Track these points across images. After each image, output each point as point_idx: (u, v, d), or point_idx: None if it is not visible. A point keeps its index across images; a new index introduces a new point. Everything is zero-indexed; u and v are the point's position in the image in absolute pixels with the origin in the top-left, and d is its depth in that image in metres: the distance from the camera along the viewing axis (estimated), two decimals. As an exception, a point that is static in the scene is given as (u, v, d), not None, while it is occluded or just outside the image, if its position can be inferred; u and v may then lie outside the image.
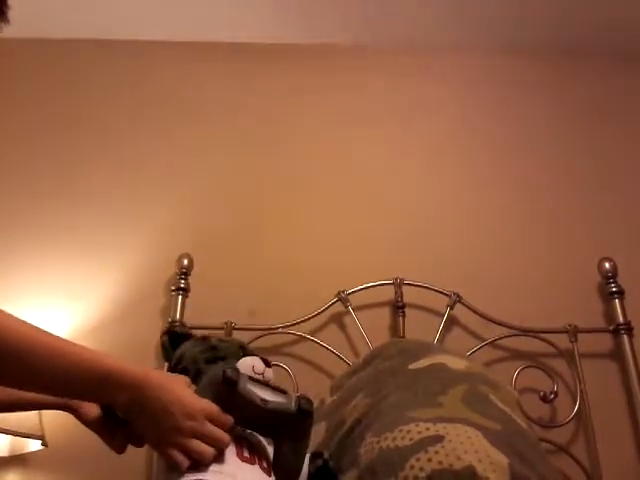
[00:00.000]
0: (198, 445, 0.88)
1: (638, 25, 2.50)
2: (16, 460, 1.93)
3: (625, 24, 2.49)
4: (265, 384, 0.97)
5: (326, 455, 1.11)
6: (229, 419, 0.93)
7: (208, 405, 0.92)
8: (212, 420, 0.91)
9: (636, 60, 2.57)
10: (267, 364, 1.02)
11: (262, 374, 1.00)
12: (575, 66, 2.58)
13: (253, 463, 0.94)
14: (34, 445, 1.90)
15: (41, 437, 1.86)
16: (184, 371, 1.09)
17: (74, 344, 0.89)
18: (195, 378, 1.05)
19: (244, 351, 1.11)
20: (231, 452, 0.92)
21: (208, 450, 0.89)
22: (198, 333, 1.94)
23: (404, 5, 2.46)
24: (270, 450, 1.00)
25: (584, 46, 2.56)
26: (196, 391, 0.95)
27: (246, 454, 0.95)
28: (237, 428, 0.95)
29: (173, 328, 1.26)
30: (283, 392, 0.98)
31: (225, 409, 0.93)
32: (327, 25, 2.56)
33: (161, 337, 1.21)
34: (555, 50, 2.57)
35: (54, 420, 1.85)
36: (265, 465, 0.96)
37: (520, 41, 2.57)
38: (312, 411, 0.96)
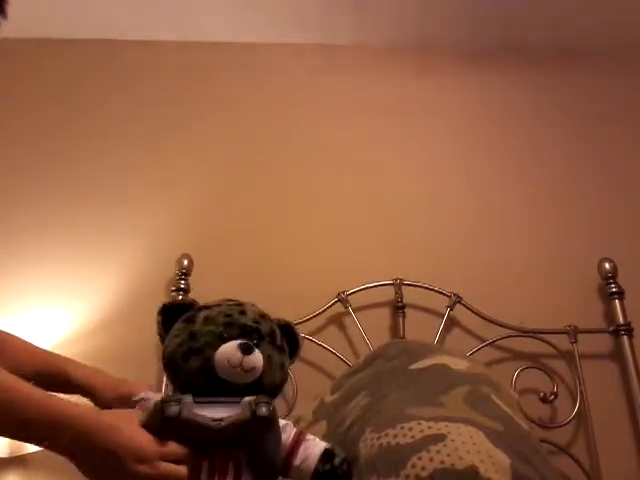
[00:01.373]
0: None
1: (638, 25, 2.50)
2: (16, 461, 1.92)
3: (626, 24, 2.49)
4: (214, 401, 0.95)
5: (337, 461, 1.05)
6: (183, 452, 0.91)
7: (159, 444, 0.89)
8: (166, 458, 0.89)
9: (636, 60, 2.58)
10: (248, 350, 0.99)
11: (239, 366, 0.98)
12: (576, 66, 2.58)
13: None
14: (34, 446, 1.89)
15: (41, 437, 1.85)
16: (166, 368, 1.08)
17: (25, 385, 0.87)
18: (175, 375, 1.05)
19: (223, 337, 1.03)
20: None
21: None
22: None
23: (403, 5, 2.46)
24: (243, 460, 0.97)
25: (584, 46, 2.56)
26: (146, 423, 0.93)
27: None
28: (196, 453, 0.93)
29: (169, 303, 1.17)
30: (237, 401, 0.95)
31: (179, 438, 0.92)
32: (327, 25, 2.55)
33: (157, 317, 1.14)
34: (555, 50, 2.57)
35: (54, 420, 1.85)
36: None
37: (520, 41, 2.56)
38: (268, 414, 0.94)
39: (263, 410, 0.94)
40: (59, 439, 0.87)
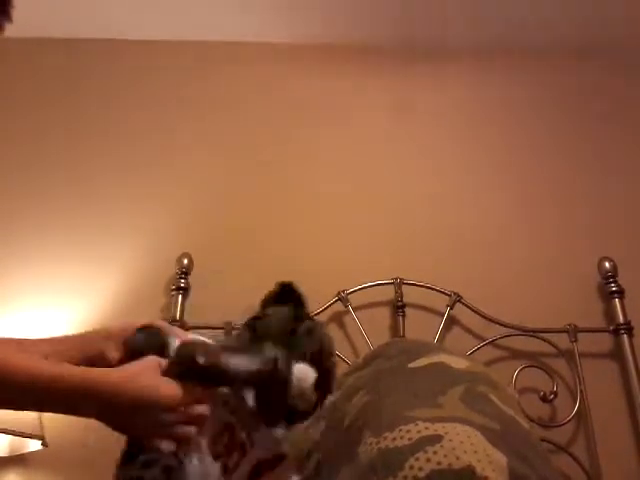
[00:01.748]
0: (181, 430, 0.90)
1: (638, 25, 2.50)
2: (16, 460, 1.93)
3: (625, 24, 2.49)
4: (238, 349, 0.99)
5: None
6: (206, 396, 0.93)
7: (183, 391, 0.90)
8: (190, 403, 0.91)
9: (637, 60, 2.57)
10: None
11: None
12: (575, 66, 2.58)
13: (219, 456, 0.96)
14: (34, 445, 1.90)
15: (41, 437, 1.86)
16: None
17: (37, 361, 0.88)
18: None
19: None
20: (203, 442, 0.94)
21: (190, 431, 0.91)
22: (198, 333, 2.00)
23: (402, 6, 2.45)
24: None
25: (584, 46, 2.55)
26: (168, 369, 0.93)
27: (220, 447, 0.97)
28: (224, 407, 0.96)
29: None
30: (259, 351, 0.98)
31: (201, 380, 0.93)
32: (326, 25, 2.55)
33: None
34: (554, 50, 2.57)
35: (54, 420, 1.85)
36: (235, 460, 0.98)
37: (519, 41, 2.56)
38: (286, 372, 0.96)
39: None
40: (85, 405, 0.87)
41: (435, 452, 1.01)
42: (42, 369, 0.85)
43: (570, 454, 1.93)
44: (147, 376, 0.90)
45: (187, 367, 0.92)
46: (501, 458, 1.01)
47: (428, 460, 1.00)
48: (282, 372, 0.95)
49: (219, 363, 0.94)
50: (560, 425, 1.94)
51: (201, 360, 0.92)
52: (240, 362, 0.95)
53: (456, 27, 2.54)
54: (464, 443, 1.02)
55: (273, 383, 0.96)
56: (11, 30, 1.09)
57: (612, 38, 2.53)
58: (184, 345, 0.96)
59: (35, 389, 0.84)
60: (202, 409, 0.93)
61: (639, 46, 2.56)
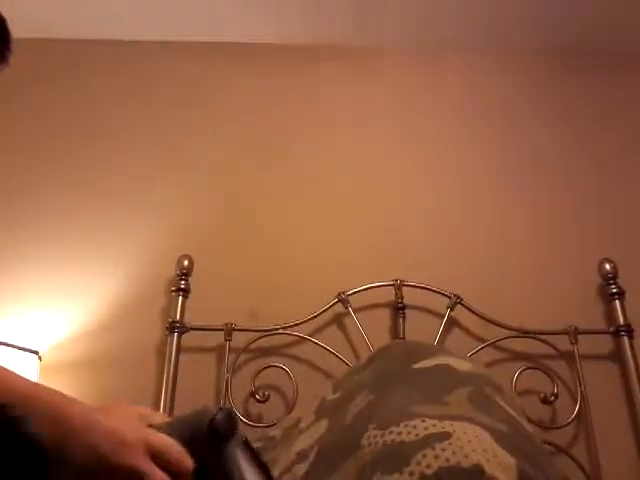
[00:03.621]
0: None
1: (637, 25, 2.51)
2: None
3: (624, 24, 2.49)
4: (256, 458, 0.74)
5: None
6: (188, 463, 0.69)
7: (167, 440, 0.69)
8: (163, 455, 0.69)
9: (636, 60, 2.58)
10: None
11: None
12: (574, 66, 2.58)
13: None
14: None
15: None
16: None
17: None
18: None
19: None
20: None
21: None
22: (198, 334, 1.99)
23: (400, 6, 2.46)
24: None
25: (583, 46, 2.56)
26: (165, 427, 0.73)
27: None
28: None
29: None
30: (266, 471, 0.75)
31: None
32: (325, 26, 2.55)
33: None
34: (553, 50, 2.58)
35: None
36: None
37: (517, 41, 2.57)
38: None
39: None
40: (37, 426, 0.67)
41: (443, 449, 1.00)
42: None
43: (570, 456, 1.92)
44: (116, 415, 0.72)
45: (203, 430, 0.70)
46: (510, 459, 1.01)
47: (436, 457, 1.00)
48: None
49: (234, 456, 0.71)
50: (560, 427, 1.94)
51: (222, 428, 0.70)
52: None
53: (456, 28, 2.54)
54: (472, 442, 1.02)
55: None
56: (16, 31, 1.09)
57: (611, 38, 2.54)
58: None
59: None
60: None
61: (638, 47, 2.57)
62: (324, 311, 2.07)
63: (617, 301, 2.08)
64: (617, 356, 2.06)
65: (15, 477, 0.62)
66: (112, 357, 2.03)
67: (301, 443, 1.34)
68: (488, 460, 0.99)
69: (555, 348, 2.02)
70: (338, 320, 2.13)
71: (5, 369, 0.72)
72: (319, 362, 2.04)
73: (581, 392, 1.96)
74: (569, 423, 1.94)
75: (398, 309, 2.07)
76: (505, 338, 2.05)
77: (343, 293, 2.08)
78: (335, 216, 2.30)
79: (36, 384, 0.74)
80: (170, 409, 1.88)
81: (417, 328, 2.04)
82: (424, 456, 1.00)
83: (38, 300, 2.11)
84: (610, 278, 2.11)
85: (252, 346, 2.02)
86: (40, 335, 2.03)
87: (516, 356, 2.07)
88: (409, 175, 2.40)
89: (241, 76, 2.56)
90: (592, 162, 2.43)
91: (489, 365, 2.01)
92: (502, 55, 2.59)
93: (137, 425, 0.71)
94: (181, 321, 2.02)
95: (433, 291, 2.09)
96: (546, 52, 2.58)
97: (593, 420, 1.93)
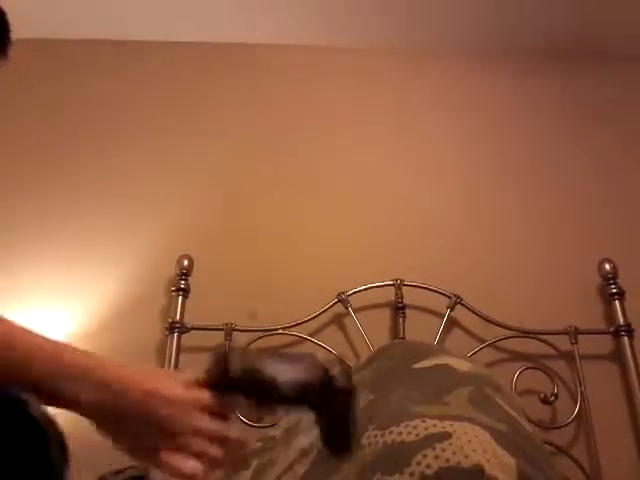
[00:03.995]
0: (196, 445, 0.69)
1: (635, 27, 2.51)
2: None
3: (624, 26, 2.50)
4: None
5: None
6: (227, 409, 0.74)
7: (201, 394, 0.73)
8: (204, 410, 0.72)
9: (636, 60, 2.58)
10: None
11: None
12: (574, 67, 2.59)
13: None
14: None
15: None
16: None
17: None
18: None
19: None
20: None
21: (209, 450, 0.70)
22: (198, 334, 1.99)
23: (400, 7, 2.46)
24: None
25: (582, 48, 2.56)
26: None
27: None
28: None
29: None
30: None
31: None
32: (325, 27, 2.55)
33: None
34: (552, 52, 2.58)
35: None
36: None
37: (516, 43, 2.57)
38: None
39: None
40: (80, 394, 0.70)
41: (443, 449, 1.01)
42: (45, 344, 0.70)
43: (570, 456, 1.92)
44: (154, 374, 0.77)
45: (219, 375, 0.76)
46: (510, 459, 1.01)
47: (436, 457, 1.00)
48: (342, 383, 0.77)
49: (256, 370, 0.76)
50: (560, 427, 1.94)
51: (235, 366, 0.76)
52: (283, 369, 0.76)
53: (456, 29, 2.54)
54: (473, 442, 1.02)
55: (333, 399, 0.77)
56: (17, 31, 1.09)
57: (612, 39, 2.54)
58: (216, 353, 0.79)
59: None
60: (234, 432, 0.72)
61: (635, 47, 2.57)
62: (324, 311, 2.07)
63: (617, 301, 2.08)
64: (617, 356, 2.06)
65: (17, 455, 0.64)
66: (112, 357, 2.03)
67: (301, 443, 1.33)
68: (488, 460, 0.99)
69: (555, 348, 2.02)
70: (338, 320, 2.13)
71: (48, 340, 0.71)
72: (319, 362, 2.03)
73: (581, 392, 1.96)
74: (569, 423, 1.94)
75: (398, 309, 2.08)
76: (505, 338, 2.05)
77: (343, 293, 2.08)
78: (335, 216, 2.31)
79: (86, 353, 0.76)
80: (170, 409, 1.88)
81: (417, 328, 2.04)
82: (424, 456, 1.00)
83: (38, 300, 2.11)
84: (610, 278, 2.11)
85: (252, 346, 2.02)
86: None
87: (516, 356, 2.07)
88: (409, 175, 2.40)
89: (241, 76, 2.56)
90: (592, 162, 2.43)
91: (489, 365, 2.01)
92: (502, 56, 2.59)
93: (174, 382, 0.75)
94: (181, 321, 2.03)
95: (433, 291, 2.09)
96: (545, 53, 2.58)
97: (593, 420, 1.93)
